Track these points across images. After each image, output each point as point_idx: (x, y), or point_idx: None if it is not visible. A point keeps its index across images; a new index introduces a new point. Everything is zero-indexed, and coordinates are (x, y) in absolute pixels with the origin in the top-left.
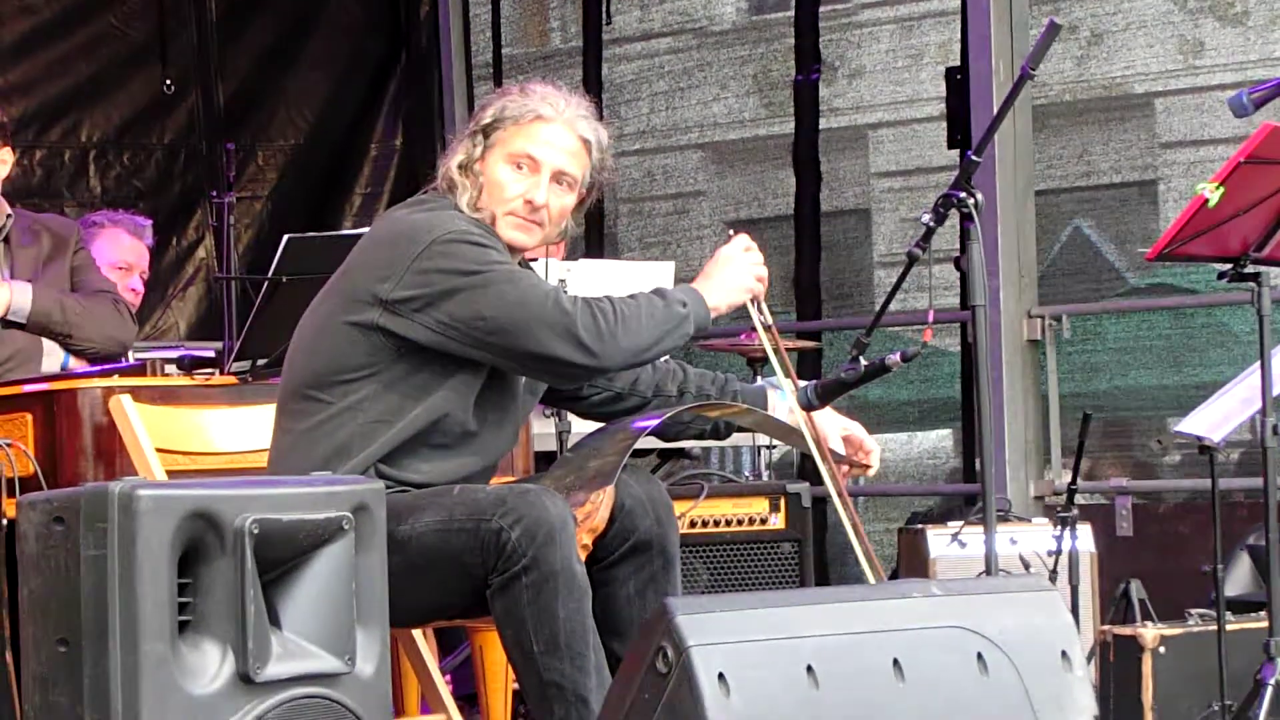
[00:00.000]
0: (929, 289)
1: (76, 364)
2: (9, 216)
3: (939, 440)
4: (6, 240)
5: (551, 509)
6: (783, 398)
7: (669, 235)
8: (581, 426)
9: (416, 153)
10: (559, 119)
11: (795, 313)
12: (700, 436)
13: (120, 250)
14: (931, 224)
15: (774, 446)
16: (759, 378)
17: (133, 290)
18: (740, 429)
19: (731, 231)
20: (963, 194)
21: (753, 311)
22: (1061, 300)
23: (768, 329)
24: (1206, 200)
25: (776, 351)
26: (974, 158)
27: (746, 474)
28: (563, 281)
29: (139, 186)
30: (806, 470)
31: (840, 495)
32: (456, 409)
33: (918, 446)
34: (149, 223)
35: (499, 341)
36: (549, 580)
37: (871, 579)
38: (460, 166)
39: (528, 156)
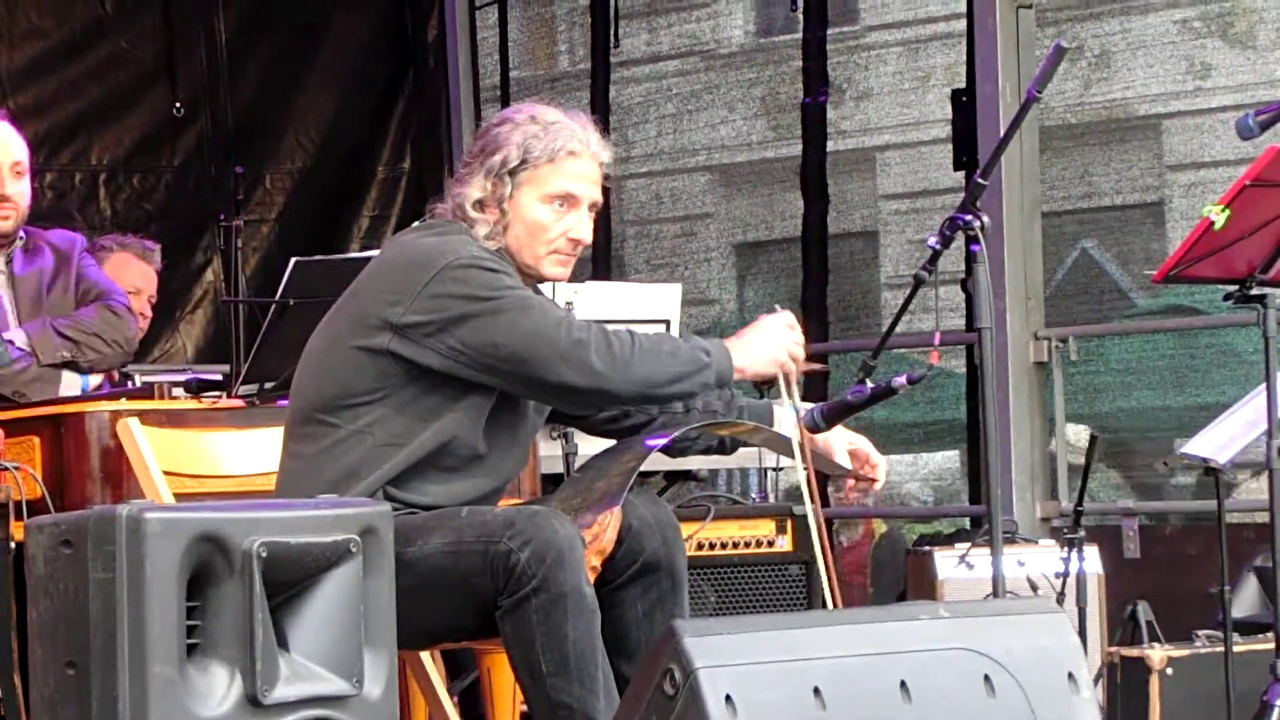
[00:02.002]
0: (935, 311)
1: (95, 387)
2: (20, 239)
3: (945, 462)
4: (12, 261)
5: (560, 530)
6: (788, 409)
7: (676, 257)
8: (589, 449)
9: (424, 175)
10: (587, 152)
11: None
12: (706, 452)
13: (130, 275)
14: (938, 246)
15: (781, 469)
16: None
17: (141, 314)
18: (746, 445)
19: (778, 306)
20: (969, 216)
21: (783, 390)
22: (1068, 321)
23: (797, 416)
24: (1212, 222)
25: (802, 449)
26: (980, 180)
27: (753, 496)
28: (569, 304)
29: (149, 209)
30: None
31: (817, 519)
32: (466, 432)
33: (924, 468)
34: (158, 247)
35: (511, 369)
36: (558, 602)
37: (830, 603)
38: (477, 203)
39: (567, 195)
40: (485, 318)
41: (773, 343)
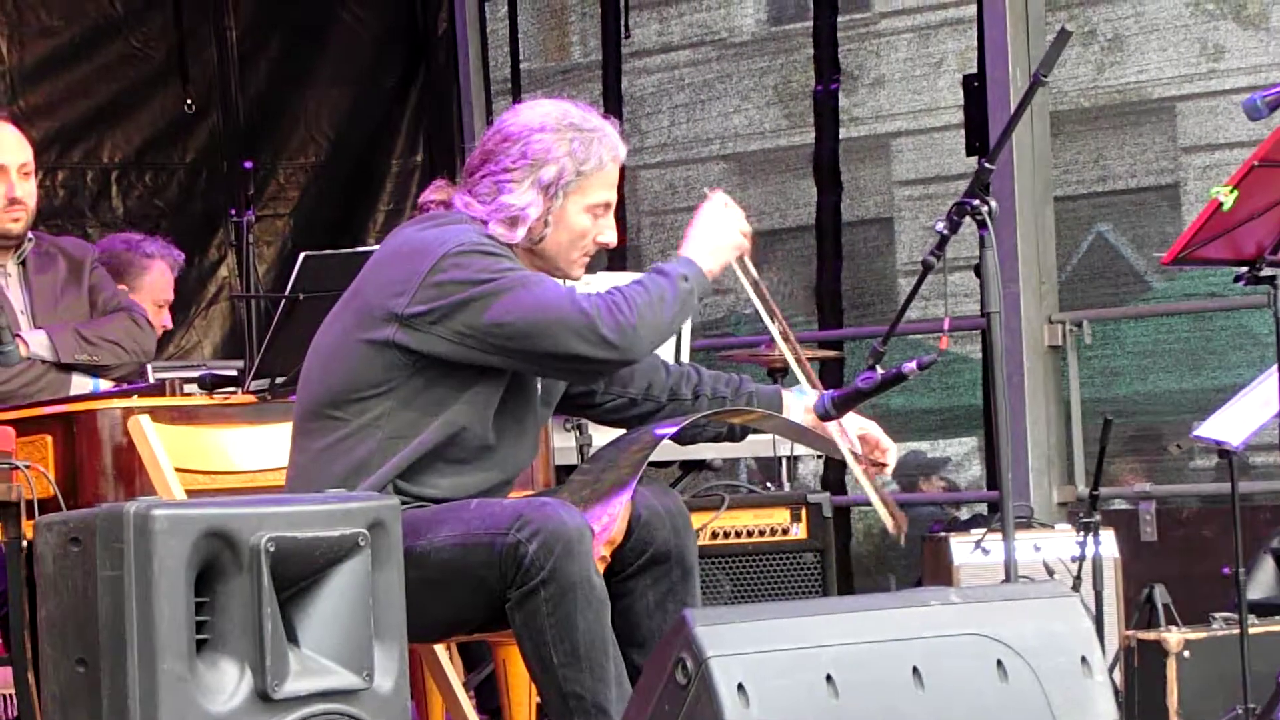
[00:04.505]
0: (944, 296)
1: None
2: (29, 241)
3: (962, 448)
4: (24, 264)
5: (568, 521)
6: (799, 395)
7: None
8: (602, 439)
9: (437, 168)
10: (621, 157)
11: (817, 322)
12: (716, 439)
13: (165, 286)
14: (946, 232)
15: (796, 457)
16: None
17: (164, 327)
18: (756, 431)
19: (708, 190)
20: (976, 201)
21: (738, 270)
22: (1086, 305)
23: (755, 285)
24: (1221, 204)
25: (764, 302)
26: (987, 165)
27: (768, 484)
28: None
29: (161, 206)
30: (829, 480)
31: (863, 467)
32: (474, 423)
33: (941, 454)
34: (183, 256)
35: (520, 346)
36: (568, 593)
37: (890, 526)
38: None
39: (607, 203)
40: (487, 299)
41: (723, 231)
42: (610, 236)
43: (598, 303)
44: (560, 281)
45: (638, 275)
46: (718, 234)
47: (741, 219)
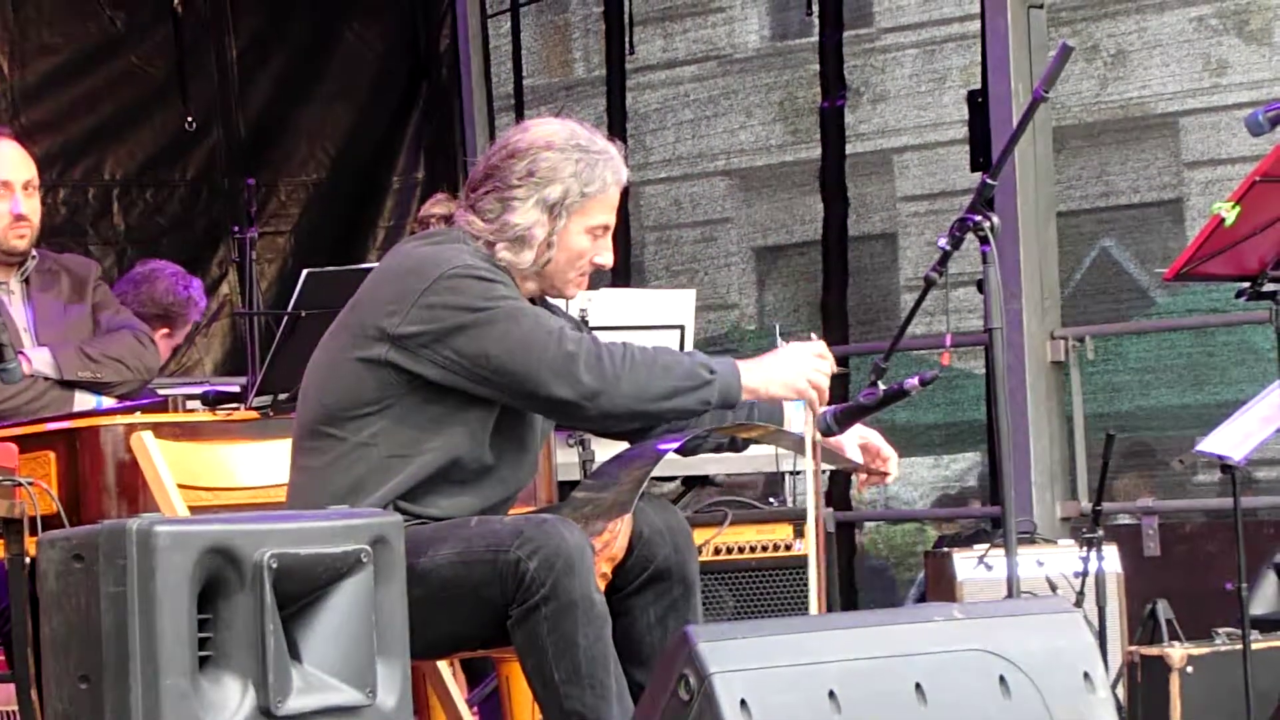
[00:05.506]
0: (946, 312)
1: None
2: (32, 258)
3: (966, 463)
4: (27, 281)
5: (569, 538)
6: (799, 408)
7: (696, 263)
8: (604, 454)
9: (439, 185)
10: (623, 180)
11: (822, 338)
12: (718, 450)
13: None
14: (947, 248)
15: (799, 472)
16: None
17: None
18: (757, 443)
19: (814, 335)
20: (978, 217)
21: (805, 416)
22: (1090, 321)
23: (813, 445)
24: (1223, 219)
25: (812, 463)
26: (989, 181)
27: (770, 500)
28: (584, 311)
29: (162, 223)
30: (832, 496)
31: (817, 513)
32: (473, 445)
33: (945, 470)
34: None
35: (502, 380)
36: (568, 610)
37: (814, 609)
38: (531, 234)
39: (607, 225)
40: (480, 328)
41: (794, 367)
42: (607, 258)
43: (590, 345)
44: (561, 303)
45: (639, 290)
46: (784, 366)
47: (823, 371)
